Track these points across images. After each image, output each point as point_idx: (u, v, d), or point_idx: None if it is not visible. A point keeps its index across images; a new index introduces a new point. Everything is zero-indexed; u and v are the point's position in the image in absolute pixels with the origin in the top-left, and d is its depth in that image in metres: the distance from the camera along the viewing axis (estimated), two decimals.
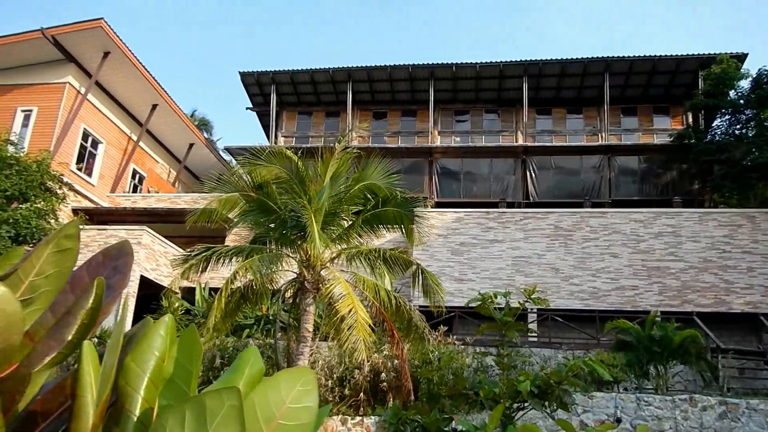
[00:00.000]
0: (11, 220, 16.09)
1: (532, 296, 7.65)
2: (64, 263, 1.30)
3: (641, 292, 18.81)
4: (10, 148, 19.29)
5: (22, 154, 19.31)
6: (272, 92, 27.24)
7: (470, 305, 7.94)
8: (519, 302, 7.85)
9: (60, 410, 1.32)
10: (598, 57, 25.06)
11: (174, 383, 1.16)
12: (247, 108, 29.11)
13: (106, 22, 20.31)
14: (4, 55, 21.20)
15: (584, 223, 20.07)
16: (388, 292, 11.74)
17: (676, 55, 24.76)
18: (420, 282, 12.41)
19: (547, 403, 6.78)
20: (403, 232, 12.42)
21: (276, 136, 27.79)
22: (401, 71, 26.35)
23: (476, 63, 25.56)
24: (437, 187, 24.78)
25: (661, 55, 24.77)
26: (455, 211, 20.96)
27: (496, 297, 7.56)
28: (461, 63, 25.73)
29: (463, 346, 15.11)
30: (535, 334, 18.10)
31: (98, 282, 1.24)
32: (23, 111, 21.61)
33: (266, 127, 28.96)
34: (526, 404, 6.93)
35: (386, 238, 17.66)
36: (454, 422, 7.31)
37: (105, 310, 1.43)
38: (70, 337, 1.18)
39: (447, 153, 25.33)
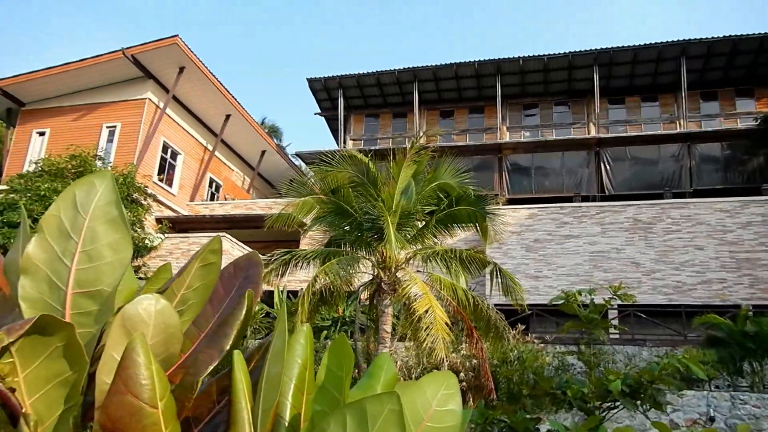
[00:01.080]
0: None
1: (618, 292, 7.43)
2: (208, 276, 1.40)
3: (730, 285, 17.88)
4: (98, 163, 20.49)
5: (108, 169, 20.47)
6: (339, 96, 27.63)
7: (553, 303, 7.81)
8: (604, 299, 7.64)
9: (210, 415, 1.42)
10: (673, 41, 24.01)
11: (326, 389, 1.23)
12: (315, 113, 29.68)
13: (180, 39, 21.21)
14: (90, 75, 22.51)
15: (665, 214, 19.27)
16: (465, 291, 11.70)
17: (760, 34, 23.37)
18: (497, 281, 12.30)
19: (639, 403, 6.57)
20: (477, 230, 12.36)
21: (345, 140, 28.18)
22: (467, 68, 26.14)
23: (544, 55, 25.04)
24: (508, 183, 24.44)
25: (742, 35, 23.46)
26: (528, 207, 20.60)
27: (580, 294, 7.39)
28: (528, 56, 25.27)
29: (542, 345, 14.84)
30: (617, 332, 17.54)
31: (249, 293, 1.33)
32: (108, 127, 22.86)
33: (335, 131, 29.41)
34: (617, 404, 6.74)
35: (458, 237, 17.58)
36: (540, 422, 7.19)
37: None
38: (228, 347, 1.27)
39: (517, 149, 24.93)
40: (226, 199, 26.39)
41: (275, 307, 18.90)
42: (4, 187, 20.28)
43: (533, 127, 27.39)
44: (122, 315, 1.20)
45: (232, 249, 19.34)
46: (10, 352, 1.06)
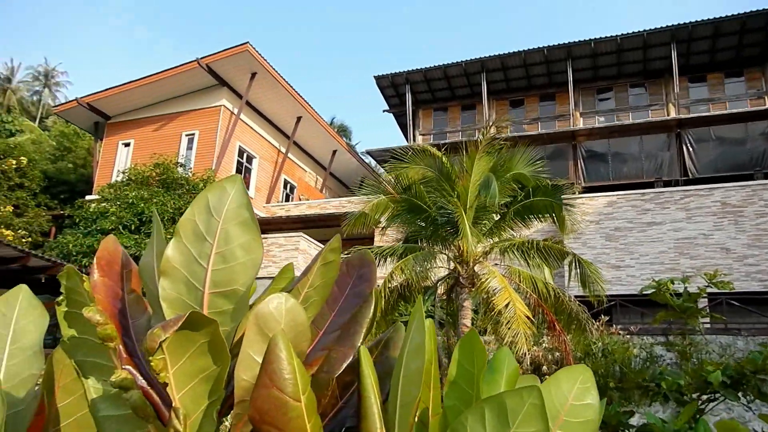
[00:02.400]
0: None
1: (714, 280, 7.07)
2: (328, 275, 1.43)
3: None
4: (180, 170, 21.40)
5: (189, 175, 21.36)
6: (407, 92, 27.63)
7: (643, 293, 7.52)
8: (698, 287, 7.29)
9: (334, 411, 1.45)
10: (759, 10, 22.53)
11: (457, 385, 1.23)
12: (384, 110, 29.83)
13: (251, 45, 21.81)
14: (168, 86, 23.53)
15: (756, 196, 18.16)
16: (546, 283, 11.46)
17: None
18: (576, 272, 12.00)
19: (741, 394, 6.22)
20: (554, 221, 12.07)
21: (414, 135, 28.16)
22: (536, 55, 25.54)
23: (617, 35, 24.11)
24: (583, 171, 23.71)
25: None
26: (606, 195, 19.91)
27: (672, 283, 7.09)
28: (600, 38, 24.40)
29: (627, 336, 14.34)
30: (708, 321, 16.70)
31: (375, 292, 1.36)
32: (187, 135, 23.83)
33: (403, 127, 29.45)
34: (716, 395, 6.41)
35: (534, 229, 17.22)
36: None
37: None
38: (359, 344, 1.30)
39: (591, 135, 24.14)
40: (300, 199, 26.96)
41: None
42: (96, 196, 21.53)
43: (608, 112, 26.45)
44: (256, 314, 1.25)
45: (309, 248, 19.74)
46: (162, 349, 1.12)
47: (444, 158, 12.19)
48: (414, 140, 27.68)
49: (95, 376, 1.28)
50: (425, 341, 1.15)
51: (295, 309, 1.27)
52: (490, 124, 13.25)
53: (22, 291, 1.66)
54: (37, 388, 1.52)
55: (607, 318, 15.03)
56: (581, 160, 23.72)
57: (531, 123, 27.20)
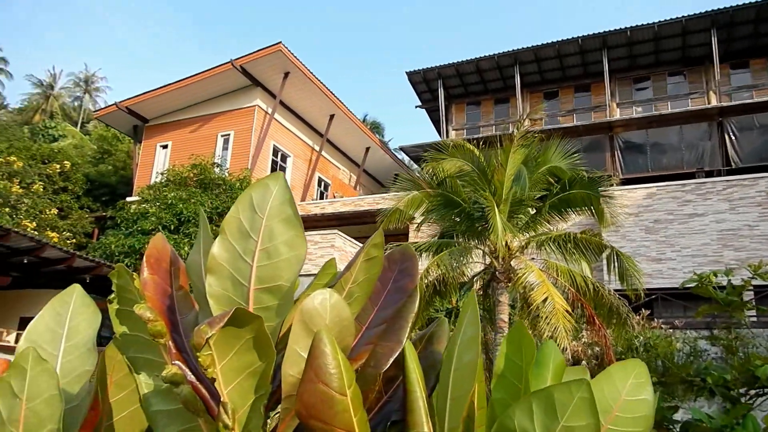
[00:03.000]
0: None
1: (759, 272, 6.83)
2: (371, 270, 1.44)
3: None
4: (216, 170, 21.76)
5: (226, 175, 21.69)
6: (439, 87, 27.50)
7: (685, 286, 7.33)
8: (743, 279, 7.06)
9: (379, 405, 1.46)
10: None
11: (505, 378, 1.23)
12: (416, 106, 29.76)
13: (284, 45, 22.01)
14: (203, 88, 23.92)
15: None
16: (585, 277, 11.31)
17: None
18: (615, 265, 11.82)
19: None
20: (593, 214, 11.88)
21: (447, 130, 28.03)
22: (570, 45, 25.13)
23: (654, 23, 23.52)
24: (621, 163, 23.25)
25: None
26: (645, 187, 19.49)
27: (715, 276, 6.88)
28: (636, 26, 23.86)
29: (670, 330, 14.03)
30: (755, 314, 16.21)
31: (419, 287, 1.36)
32: (222, 136, 24.20)
33: (436, 123, 29.34)
34: (765, 390, 6.23)
35: (571, 222, 16.96)
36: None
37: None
38: (405, 338, 1.30)
39: (629, 125, 23.64)
40: (334, 197, 27.12)
41: None
42: (136, 198, 22.06)
43: (646, 102, 25.86)
44: (300, 310, 1.26)
45: (345, 245, 19.85)
46: (209, 345, 1.14)
47: (478, 152, 12.11)
48: (447, 135, 27.55)
49: (146, 372, 1.31)
50: (479, 334, 1.14)
51: (340, 304, 1.28)
52: (524, 116, 13.07)
53: (76, 290, 1.71)
54: (90, 383, 1.57)
55: (648, 312, 14.73)
56: (618, 152, 23.27)
57: (566, 115, 26.78)
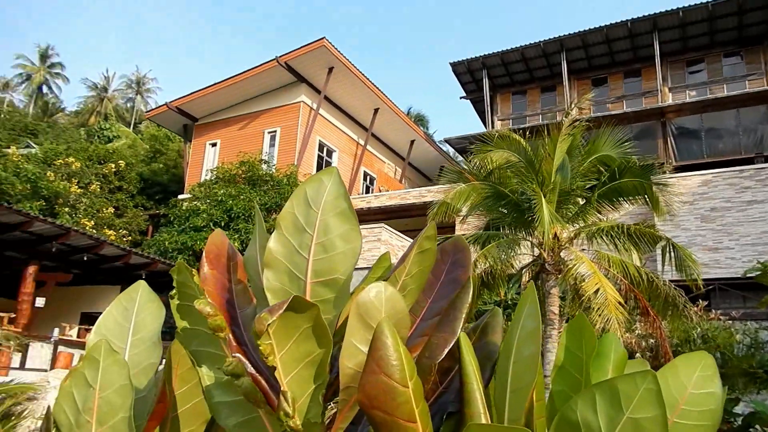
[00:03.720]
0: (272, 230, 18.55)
1: None
2: (424, 262, 1.45)
3: None
4: (264, 167, 22.11)
5: (273, 171, 22.03)
6: (484, 77, 27.18)
7: (747, 275, 7.09)
8: None
9: (435, 396, 1.47)
10: None
11: (565, 370, 1.22)
12: (461, 97, 29.52)
13: (327, 41, 22.15)
14: (249, 86, 24.31)
15: None
16: (638, 267, 11.04)
17: None
18: (670, 256, 11.49)
19: None
20: (647, 202, 11.55)
21: (492, 121, 27.70)
22: (619, 29, 24.42)
23: (708, 2, 22.61)
24: (674, 149, 22.51)
25: None
26: (701, 174, 18.82)
27: None
28: (689, 6, 22.98)
29: (729, 321, 13.56)
30: None
31: (473, 278, 1.36)
32: (269, 132, 24.55)
33: (481, 113, 29.02)
34: None
35: (623, 212, 16.54)
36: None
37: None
38: (459, 329, 1.31)
39: (682, 110, 22.85)
40: (380, 191, 27.19)
41: None
42: (188, 195, 22.64)
43: (700, 85, 24.93)
44: (357, 303, 1.28)
45: (391, 239, 19.89)
46: (268, 334, 1.17)
47: (524, 143, 11.93)
48: (492, 126, 27.23)
49: (208, 365, 1.35)
50: (539, 327, 1.13)
51: (395, 297, 1.29)
52: (572, 104, 12.80)
53: (141, 286, 1.78)
54: (156, 376, 1.63)
55: (705, 303, 14.28)
56: (671, 138, 22.53)
57: (615, 101, 26.07)
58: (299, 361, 1.22)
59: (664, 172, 17.80)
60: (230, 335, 1.32)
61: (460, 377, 1.28)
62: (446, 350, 1.29)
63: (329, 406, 1.45)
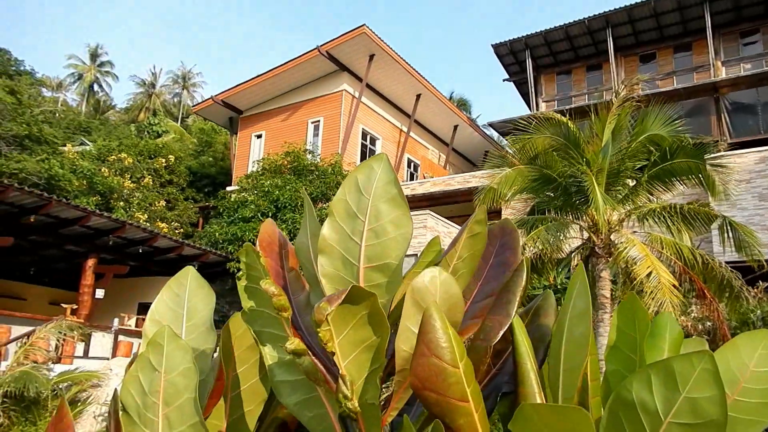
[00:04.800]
0: (319, 220, 18.78)
1: None
2: (475, 246, 1.46)
3: None
4: (309, 157, 22.34)
5: (318, 161, 22.23)
6: (527, 58, 26.69)
7: None
8: None
9: (488, 378, 1.49)
10: None
11: (618, 350, 1.22)
12: (504, 80, 29.10)
13: (368, 27, 22.12)
14: (292, 76, 24.52)
15: None
16: (692, 249, 10.73)
17: None
18: (727, 236, 11.12)
19: None
20: (702, 183, 11.18)
21: (537, 103, 27.22)
22: (668, 2, 23.52)
23: None
24: (728, 125, 21.66)
25: None
26: (758, 150, 18.05)
27: None
28: None
29: None
30: None
31: (526, 260, 1.37)
32: (312, 122, 24.75)
33: (525, 95, 28.55)
34: None
35: (675, 192, 16.05)
36: None
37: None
38: (514, 312, 1.32)
39: (736, 85, 21.92)
40: (424, 177, 27.12)
41: None
42: (235, 187, 23.09)
43: (755, 57, 23.85)
44: (411, 288, 1.30)
45: (437, 225, 19.85)
46: (327, 321, 1.21)
47: (571, 124, 11.69)
48: (537, 108, 26.74)
49: (271, 345, 1.40)
50: (589, 307, 1.14)
51: (448, 281, 1.31)
52: (620, 83, 12.46)
53: (190, 272, 1.84)
54: (214, 359, 1.70)
55: (766, 284, 13.75)
56: (725, 114, 21.68)
57: (665, 78, 25.22)
58: (357, 346, 1.26)
59: (719, 151, 17.18)
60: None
61: (513, 358, 1.29)
62: (501, 333, 1.31)
63: (384, 387, 1.49)
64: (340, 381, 1.23)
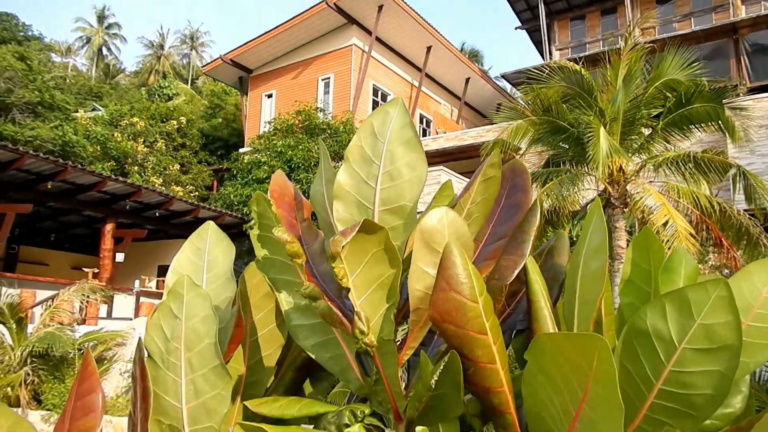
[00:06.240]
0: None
1: None
2: (489, 190, 1.46)
3: None
4: (320, 116, 22.20)
5: (330, 119, 22.10)
6: (539, 3, 25.98)
7: None
8: None
9: (503, 317, 1.51)
10: None
11: (633, 283, 1.22)
12: (516, 27, 28.48)
13: None
14: (300, 32, 24.12)
15: None
16: (709, 197, 10.63)
17: None
18: (741, 185, 11.02)
19: None
20: (720, 129, 10.98)
21: (550, 51, 26.64)
22: None
23: None
24: (748, 69, 21.09)
25: None
26: None
27: None
28: None
29: None
30: None
31: (539, 200, 1.37)
32: (323, 80, 24.48)
33: (538, 44, 27.95)
34: None
35: (692, 140, 15.78)
36: None
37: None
38: (528, 252, 1.33)
39: (757, 24, 21.22)
40: (437, 133, 26.90)
41: None
42: (248, 148, 23.09)
43: None
44: (420, 229, 1.31)
45: (451, 181, 19.79)
46: (341, 259, 1.23)
47: (584, 71, 11.46)
48: (550, 57, 26.19)
49: (286, 291, 1.43)
50: (605, 241, 1.14)
51: (457, 221, 1.31)
52: (634, 25, 12.10)
53: (210, 226, 1.87)
54: (233, 308, 1.73)
55: None
56: (745, 57, 21.10)
57: (682, 20, 24.46)
58: (371, 283, 1.28)
59: (738, 95, 16.79)
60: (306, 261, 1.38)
61: (527, 297, 1.30)
62: (516, 272, 1.32)
63: (399, 330, 1.51)
64: (356, 317, 1.25)
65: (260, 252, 1.42)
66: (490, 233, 1.54)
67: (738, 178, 11.15)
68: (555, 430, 1.03)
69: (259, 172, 19.89)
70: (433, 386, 1.19)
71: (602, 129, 10.07)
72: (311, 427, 1.38)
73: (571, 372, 0.95)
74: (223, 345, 1.57)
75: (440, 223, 1.31)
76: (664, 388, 0.97)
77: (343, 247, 1.18)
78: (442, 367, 1.18)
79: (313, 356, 1.42)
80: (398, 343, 1.42)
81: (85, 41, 54.94)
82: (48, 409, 7.80)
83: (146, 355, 1.48)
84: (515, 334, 1.41)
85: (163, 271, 20.53)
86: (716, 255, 11.70)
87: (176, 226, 20.25)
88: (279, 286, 1.42)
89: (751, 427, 0.78)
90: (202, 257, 1.82)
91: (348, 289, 1.25)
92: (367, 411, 1.30)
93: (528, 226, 1.38)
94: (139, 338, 1.58)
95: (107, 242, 17.63)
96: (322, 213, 1.60)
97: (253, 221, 1.41)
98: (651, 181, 11.52)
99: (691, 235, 9.85)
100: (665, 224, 9.80)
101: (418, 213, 1.42)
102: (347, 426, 1.19)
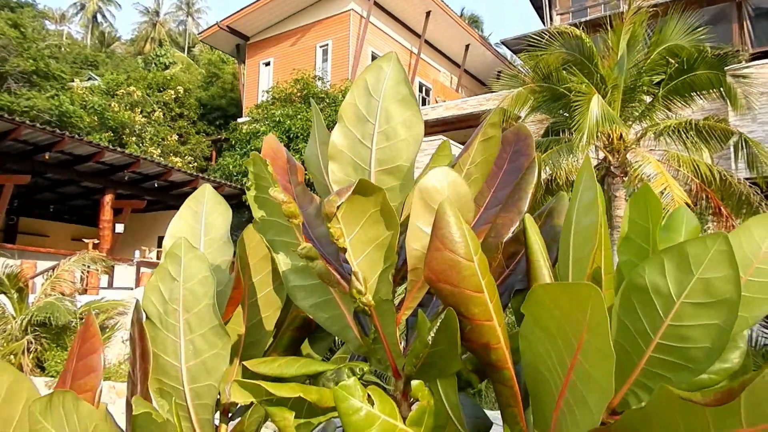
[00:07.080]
0: None
1: None
2: (488, 150, 1.44)
3: None
4: (318, 84, 21.98)
5: (328, 88, 21.89)
6: None
7: None
8: None
9: (501, 279, 1.50)
10: None
11: (630, 240, 1.22)
12: None
13: None
14: None
15: None
16: (709, 166, 10.62)
17: None
18: (743, 153, 10.99)
19: None
20: (722, 96, 10.89)
21: (551, 16, 26.22)
22: None
23: None
24: (751, 34, 20.81)
25: None
26: None
27: None
28: None
29: None
30: None
31: (538, 157, 1.35)
32: (321, 47, 24.15)
33: (539, 9, 27.49)
34: None
35: (693, 108, 15.66)
36: None
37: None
38: (525, 209, 1.32)
39: None
40: (437, 101, 26.68)
41: None
42: (247, 118, 22.91)
43: None
44: (419, 188, 1.30)
45: (451, 150, 19.70)
46: (338, 219, 1.22)
47: (585, 36, 11.32)
48: (551, 22, 25.78)
49: (284, 252, 1.42)
50: (596, 197, 1.13)
51: (457, 181, 1.30)
52: None
53: (207, 189, 1.86)
54: (230, 271, 1.73)
55: None
56: (748, 21, 20.79)
57: None
58: (368, 244, 1.27)
59: (740, 61, 16.61)
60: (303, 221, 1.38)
61: (526, 256, 1.30)
62: (512, 229, 1.31)
63: (398, 291, 1.51)
64: (353, 277, 1.25)
65: (257, 213, 1.41)
66: (491, 197, 1.53)
67: (740, 146, 11.11)
68: (552, 383, 1.03)
69: (257, 142, 19.78)
70: (430, 343, 1.19)
71: (597, 96, 9.95)
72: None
73: (566, 322, 0.95)
74: (222, 307, 1.58)
75: (440, 182, 1.30)
76: (662, 342, 0.98)
77: (338, 207, 1.17)
78: (438, 324, 1.18)
79: (311, 316, 1.43)
80: (397, 303, 1.42)
81: (79, 8, 54.14)
82: (51, 376, 7.91)
83: (144, 317, 1.49)
84: (514, 294, 1.41)
85: (162, 242, 20.62)
86: (715, 224, 11.71)
87: (175, 197, 20.23)
88: (277, 247, 1.42)
89: (751, 381, 0.78)
90: (200, 221, 1.81)
91: (345, 249, 1.25)
92: (366, 368, 1.31)
93: (525, 183, 1.37)
94: (137, 300, 1.58)
95: (106, 213, 17.64)
96: (317, 175, 1.58)
97: (249, 183, 1.40)
98: (652, 150, 11.49)
99: (687, 204, 9.85)
100: (662, 192, 9.80)
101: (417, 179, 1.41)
102: None
